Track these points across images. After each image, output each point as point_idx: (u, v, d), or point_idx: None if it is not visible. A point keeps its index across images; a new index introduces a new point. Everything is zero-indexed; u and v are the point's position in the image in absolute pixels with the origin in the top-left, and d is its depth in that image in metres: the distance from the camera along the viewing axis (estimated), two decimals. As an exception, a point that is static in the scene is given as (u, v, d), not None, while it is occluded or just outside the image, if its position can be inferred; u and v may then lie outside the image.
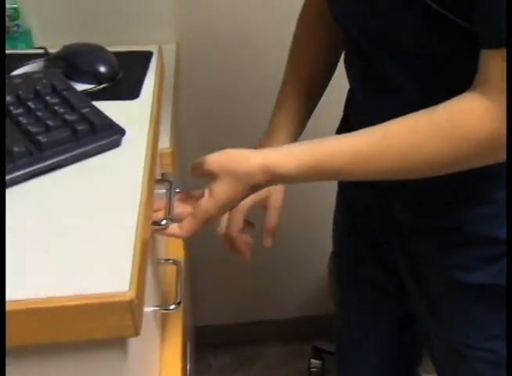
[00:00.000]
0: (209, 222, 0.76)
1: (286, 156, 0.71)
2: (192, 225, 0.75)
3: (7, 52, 1.08)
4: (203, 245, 1.87)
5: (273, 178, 0.71)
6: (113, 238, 0.60)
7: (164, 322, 0.95)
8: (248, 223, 0.90)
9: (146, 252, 0.63)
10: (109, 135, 0.74)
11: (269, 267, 1.92)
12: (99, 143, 0.73)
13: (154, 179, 0.76)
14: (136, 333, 0.56)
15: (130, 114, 0.82)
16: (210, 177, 0.74)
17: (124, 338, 0.57)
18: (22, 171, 0.68)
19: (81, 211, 0.64)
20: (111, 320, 0.55)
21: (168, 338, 0.93)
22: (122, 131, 0.75)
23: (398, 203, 0.89)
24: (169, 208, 0.84)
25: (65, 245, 0.59)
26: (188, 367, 0.98)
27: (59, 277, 0.56)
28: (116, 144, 0.75)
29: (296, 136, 0.93)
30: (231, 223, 0.88)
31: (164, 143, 1.10)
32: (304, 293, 1.94)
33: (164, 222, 0.76)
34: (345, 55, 0.90)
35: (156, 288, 0.88)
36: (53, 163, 0.70)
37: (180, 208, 0.81)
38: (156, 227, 0.75)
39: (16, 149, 0.68)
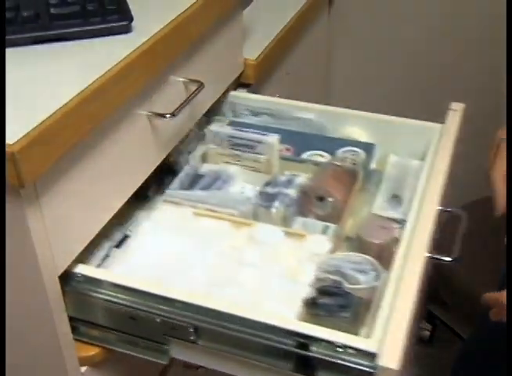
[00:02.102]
0: None
1: None
2: None
3: None
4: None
5: None
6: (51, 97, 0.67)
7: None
8: None
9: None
10: (117, 19, 0.79)
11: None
12: (106, 25, 0.79)
13: (151, 70, 0.81)
14: (20, 185, 0.63)
15: (163, 7, 0.86)
16: None
17: (12, 186, 0.63)
18: (25, 35, 0.76)
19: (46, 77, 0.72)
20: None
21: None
22: (130, 18, 0.79)
23: None
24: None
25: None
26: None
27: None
28: (124, 30, 0.80)
29: None
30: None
31: (251, 54, 1.14)
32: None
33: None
34: None
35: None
36: (57, 34, 0.77)
37: None
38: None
39: (25, 13, 0.76)
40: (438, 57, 1.51)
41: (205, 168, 1.02)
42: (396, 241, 0.84)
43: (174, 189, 0.96)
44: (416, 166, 1.00)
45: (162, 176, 1.02)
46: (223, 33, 1.01)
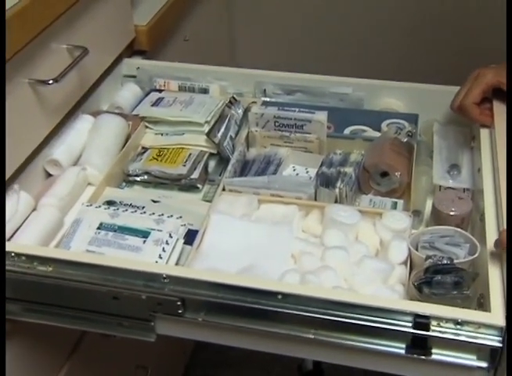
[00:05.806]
0: None
1: None
2: None
3: None
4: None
5: None
6: None
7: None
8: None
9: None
10: None
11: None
12: None
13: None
14: None
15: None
16: None
17: None
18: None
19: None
20: None
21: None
22: None
23: None
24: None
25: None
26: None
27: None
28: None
29: None
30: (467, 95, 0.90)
31: (142, 20, 1.13)
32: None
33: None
34: None
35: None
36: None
37: None
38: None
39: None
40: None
41: (252, 152, 0.99)
42: (472, 211, 0.84)
43: (229, 177, 0.92)
44: (463, 133, 1.00)
45: (206, 164, 0.98)
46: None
